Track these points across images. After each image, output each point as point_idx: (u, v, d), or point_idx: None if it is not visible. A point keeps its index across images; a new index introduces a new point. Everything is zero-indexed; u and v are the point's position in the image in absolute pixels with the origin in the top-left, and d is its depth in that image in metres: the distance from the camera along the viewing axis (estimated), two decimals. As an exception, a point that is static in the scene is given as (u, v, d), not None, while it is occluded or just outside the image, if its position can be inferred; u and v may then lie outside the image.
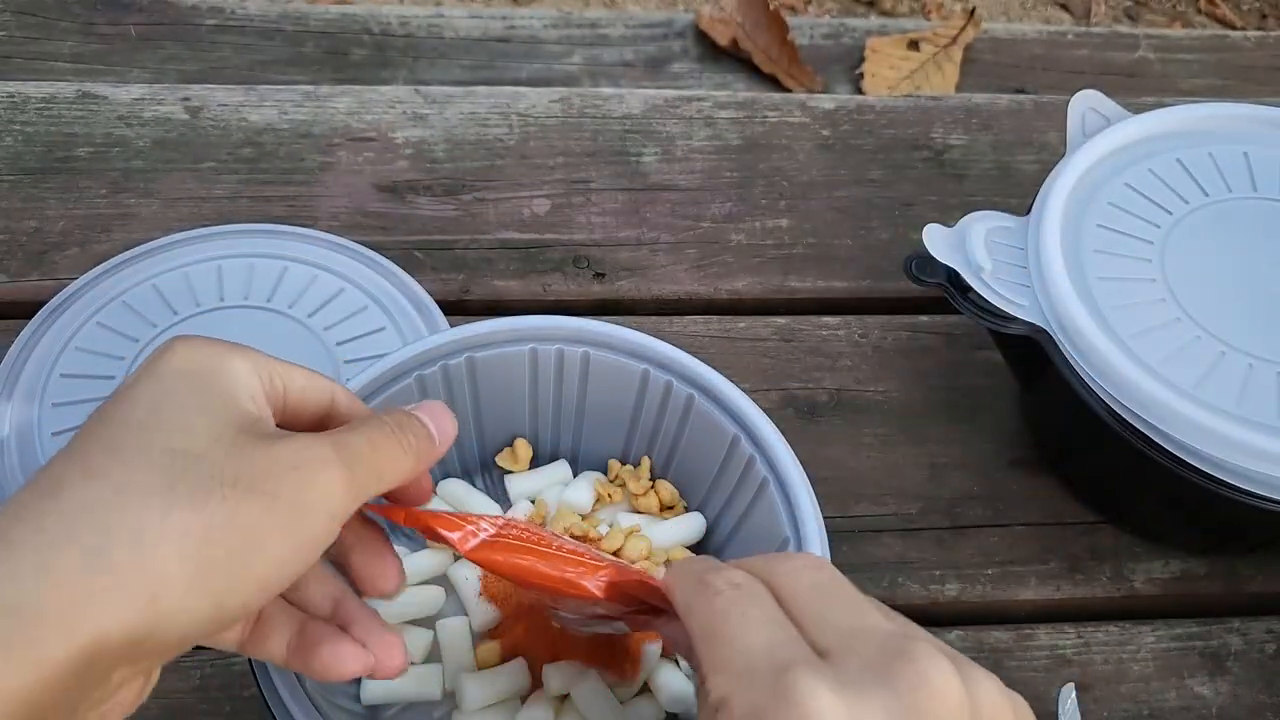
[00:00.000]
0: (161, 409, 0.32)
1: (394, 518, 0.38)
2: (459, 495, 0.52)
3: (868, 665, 0.29)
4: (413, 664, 0.47)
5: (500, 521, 0.39)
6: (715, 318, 0.67)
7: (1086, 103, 0.63)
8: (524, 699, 0.46)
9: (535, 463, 0.54)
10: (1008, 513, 0.60)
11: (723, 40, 0.91)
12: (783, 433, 0.48)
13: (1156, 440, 0.51)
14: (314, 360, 0.59)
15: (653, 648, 0.47)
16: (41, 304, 0.60)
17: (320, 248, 0.64)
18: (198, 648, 0.32)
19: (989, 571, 0.58)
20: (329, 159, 0.72)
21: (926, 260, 0.56)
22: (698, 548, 0.52)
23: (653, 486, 0.53)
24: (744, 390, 0.49)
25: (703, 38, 0.92)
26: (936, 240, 0.56)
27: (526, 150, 0.74)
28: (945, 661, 0.29)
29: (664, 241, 0.70)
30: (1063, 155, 0.60)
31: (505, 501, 0.53)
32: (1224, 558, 0.59)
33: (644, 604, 0.38)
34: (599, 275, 0.68)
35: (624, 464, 0.54)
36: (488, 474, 0.55)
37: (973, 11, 0.97)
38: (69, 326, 0.59)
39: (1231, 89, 0.90)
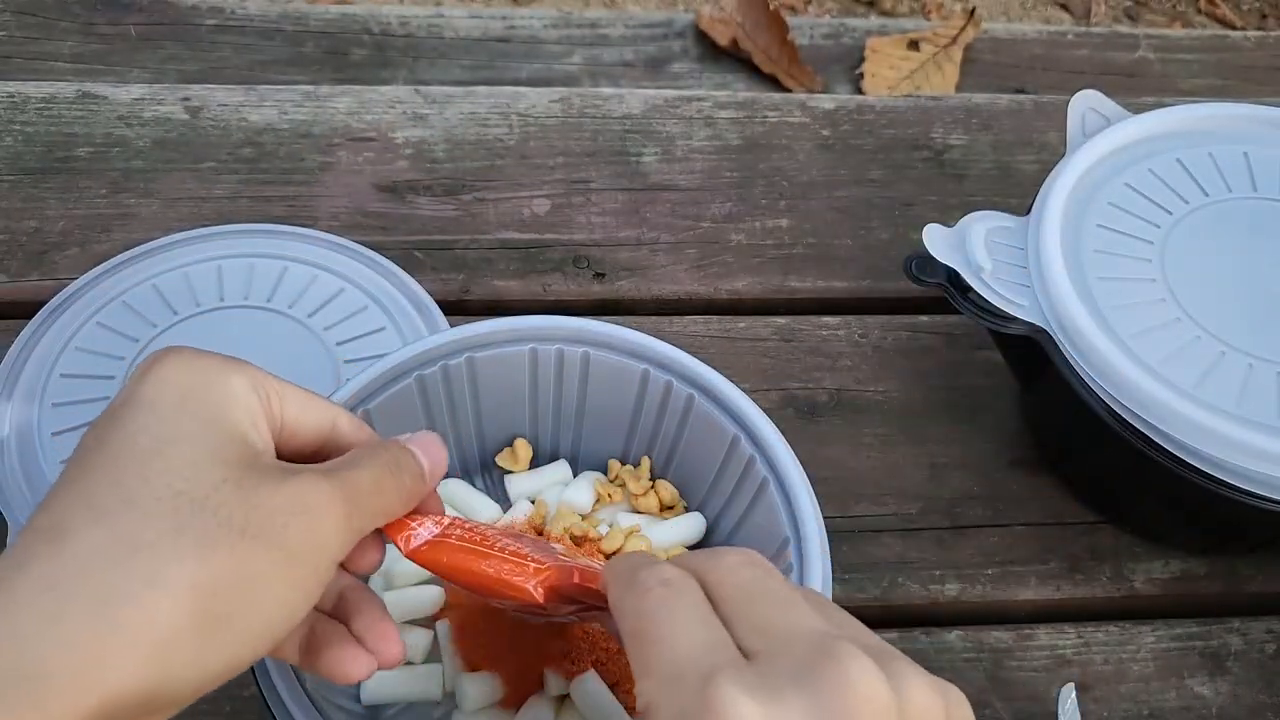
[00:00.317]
0: (164, 439, 0.31)
1: None
2: (459, 495, 0.52)
3: (792, 668, 0.28)
4: (413, 664, 0.47)
5: (445, 521, 0.38)
6: (715, 318, 0.67)
7: (1086, 103, 0.63)
8: (506, 704, 0.46)
9: (535, 463, 0.54)
10: (1008, 513, 0.60)
11: (723, 40, 0.91)
12: (783, 433, 0.48)
13: (1156, 440, 0.51)
14: (314, 360, 0.59)
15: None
16: (41, 304, 0.60)
17: (320, 248, 0.64)
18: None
19: (989, 571, 0.58)
20: (329, 159, 0.72)
21: (926, 260, 0.56)
22: (698, 548, 0.52)
23: (653, 486, 0.53)
24: (744, 390, 0.49)
25: (703, 38, 0.92)
26: (936, 240, 0.56)
27: (526, 150, 0.74)
28: (869, 661, 0.28)
29: (664, 241, 0.70)
30: (1063, 155, 0.60)
31: (505, 502, 0.53)
32: (1224, 558, 0.59)
33: (586, 603, 0.38)
34: (599, 275, 0.68)
35: (624, 464, 0.54)
36: (488, 474, 0.55)
37: (973, 11, 0.97)
38: (69, 326, 0.59)
39: (1231, 89, 0.90)
